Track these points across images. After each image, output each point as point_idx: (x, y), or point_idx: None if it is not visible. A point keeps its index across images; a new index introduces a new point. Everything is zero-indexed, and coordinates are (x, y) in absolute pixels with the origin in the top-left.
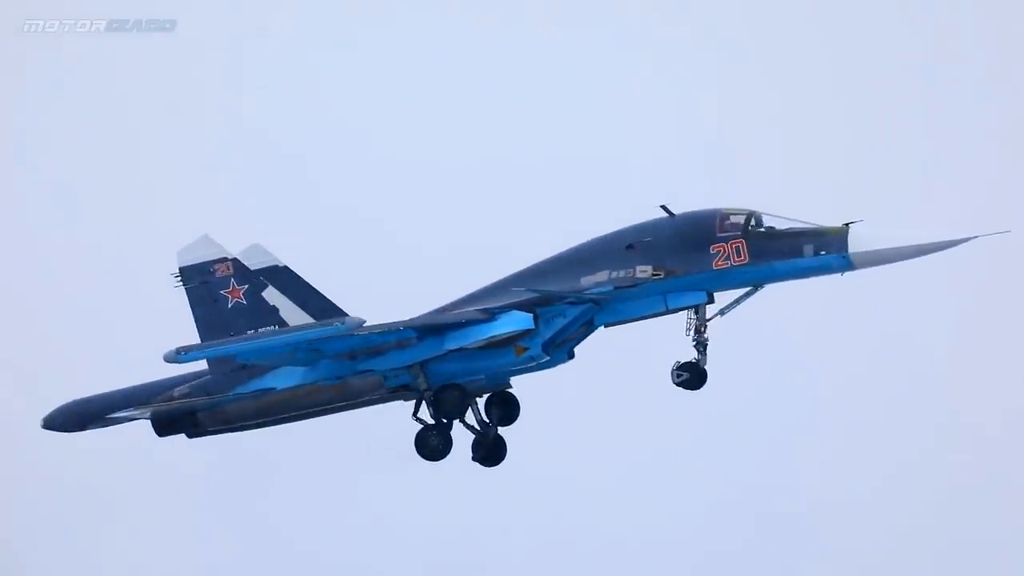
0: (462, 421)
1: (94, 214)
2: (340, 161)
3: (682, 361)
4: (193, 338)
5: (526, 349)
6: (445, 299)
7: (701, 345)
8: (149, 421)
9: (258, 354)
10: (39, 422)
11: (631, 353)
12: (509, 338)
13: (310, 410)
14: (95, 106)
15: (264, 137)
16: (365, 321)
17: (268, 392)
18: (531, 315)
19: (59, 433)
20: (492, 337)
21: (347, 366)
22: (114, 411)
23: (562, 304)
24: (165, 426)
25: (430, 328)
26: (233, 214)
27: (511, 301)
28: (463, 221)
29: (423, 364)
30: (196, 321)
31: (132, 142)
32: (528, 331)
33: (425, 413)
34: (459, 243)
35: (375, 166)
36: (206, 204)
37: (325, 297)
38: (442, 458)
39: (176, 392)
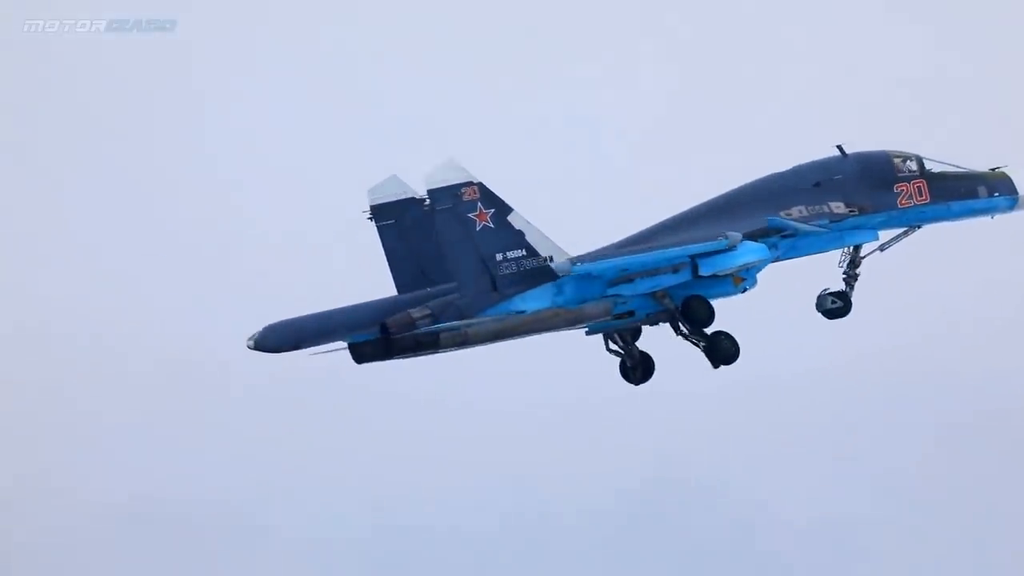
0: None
1: (94, 212)
2: (346, 157)
3: (833, 290)
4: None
5: (744, 280)
6: (622, 232)
7: (852, 279)
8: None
9: (648, 266)
10: (247, 342)
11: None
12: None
13: (532, 332)
14: (95, 106)
15: (264, 136)
16: (740, 236)
17: (516, 315)
18: (766, 247)
19: (269, 354)
20: (742, 265)
21: (596, 290)
22: (332, 330)
23: (777, 236)
24: (400, 348)
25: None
26: (233, 216)
27: (748, 231)
28: (614, 161)
29: (667, 289)
30: (445, 245)
31: (132, 142)
32: (759, 262)
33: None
34: (619, 180)
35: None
36: (204, 203)
37: None
38: (736, 359)
39: (415, 313)
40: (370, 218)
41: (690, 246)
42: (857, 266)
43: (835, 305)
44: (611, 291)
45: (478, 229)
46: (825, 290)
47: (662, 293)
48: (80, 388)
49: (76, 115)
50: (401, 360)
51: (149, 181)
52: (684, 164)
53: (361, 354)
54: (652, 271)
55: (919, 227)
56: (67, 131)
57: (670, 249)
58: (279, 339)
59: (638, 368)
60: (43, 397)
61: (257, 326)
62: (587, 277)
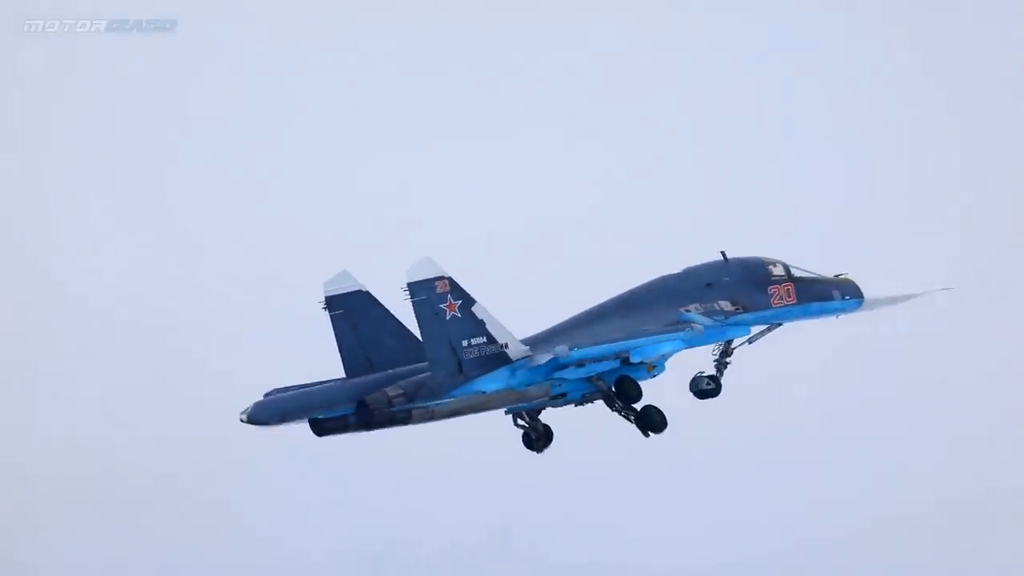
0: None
1: (96, 212)
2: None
3: (708, 373)
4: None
5: (655, 367)
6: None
7: (723, 365)
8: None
9: (647, 352)
10: (240, 416)
11: None
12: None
13: (484, 410)
14: (95, 106)
15: (263, 135)
16: (703, 328)
17: (478, 394)
18: (681, 340)
19: (260, 427)
20: (662, 355)
21: (541, 374)
22: (313, 406)
23: (689, 331)
24: (376, 423)
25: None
26: (233, 213)
27: (663, 326)
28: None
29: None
30: (421, 330)
31: (131, 142)
32: (674, 352)
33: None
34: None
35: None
36: (204, 199)
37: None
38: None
39: (391, 391)
40: (324, 308)
41: (670, 334)
42: (729, 355)
43: (709, 387)
44: (556, 375)
45: (448, 318)
46: (700, 373)
47: (597, 377)
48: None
49: (76, 115)
50: (356, 434)
51: (149, 180)
52: (576, 265)
53: (323, 428)
54: (600, 358)
55: (781, 324)
56: (67, 131)
57: (669, 335)
58: (268, 414)
59: (541, 439)
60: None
61: (233, 402)
62: (538, 364)
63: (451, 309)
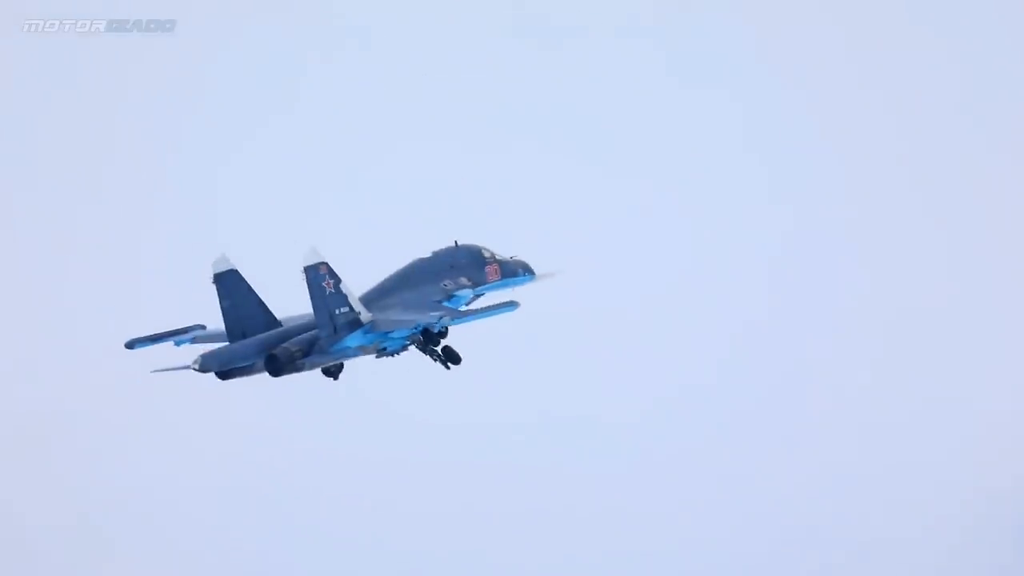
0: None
1: (94, 215)
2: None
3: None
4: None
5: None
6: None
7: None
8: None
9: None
10: (192, 365)
11: None
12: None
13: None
14: (95, 106)
15: (264, 135)
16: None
17: (347, 348)
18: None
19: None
20: (449, 322)
21: (378, 336)
22: (243, 357)
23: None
24: (282, 371)
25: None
26: (232, 211)
27: (441, 298)
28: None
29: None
30: (313, 301)
31: (131, 141)
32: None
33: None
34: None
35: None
36: (203, 198)
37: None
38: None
39: (291, 346)
40: (213, 283)
41: (497, 309)
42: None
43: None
44: (389, 335)
45: (327, 293)
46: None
47: (415, 336)
48: None
49: (76, 115)
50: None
51: (149, 181)
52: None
53: (230, 374)
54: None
55: (483, 294)
56: (66, 131)
57: (488, 311)
58: (214, 363)
59: (338, 370)
60: None
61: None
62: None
63: (328, 286)
